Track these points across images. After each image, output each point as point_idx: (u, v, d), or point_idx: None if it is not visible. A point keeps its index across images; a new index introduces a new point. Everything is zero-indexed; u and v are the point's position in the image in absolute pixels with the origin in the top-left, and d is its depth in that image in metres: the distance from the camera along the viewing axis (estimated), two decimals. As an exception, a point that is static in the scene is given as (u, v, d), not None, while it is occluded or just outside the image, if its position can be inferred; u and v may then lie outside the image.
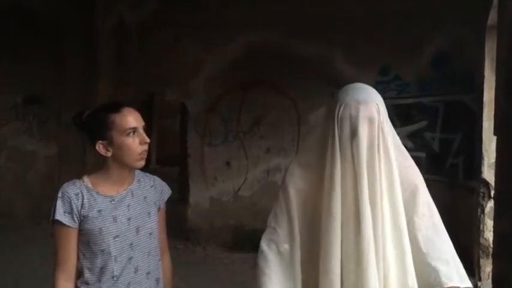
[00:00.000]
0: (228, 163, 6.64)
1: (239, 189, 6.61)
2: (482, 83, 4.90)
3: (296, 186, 1.65)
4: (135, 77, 6.85)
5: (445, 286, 1.47)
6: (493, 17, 4.31)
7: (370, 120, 1.51)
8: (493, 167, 4.42)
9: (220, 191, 6.67)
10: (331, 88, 6.15)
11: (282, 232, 1.64)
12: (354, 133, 1.50)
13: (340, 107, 1.52)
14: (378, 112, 1.52)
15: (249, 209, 6.39)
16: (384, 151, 1.52)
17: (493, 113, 4.15)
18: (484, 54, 4.84)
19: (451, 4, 5.39)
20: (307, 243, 1.60)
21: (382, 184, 1.51)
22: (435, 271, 1.49)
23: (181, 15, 6.48)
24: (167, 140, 12.35)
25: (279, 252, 1.62)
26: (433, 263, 1.49)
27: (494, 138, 3.56)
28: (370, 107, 1.52)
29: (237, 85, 6.49)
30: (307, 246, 1.60)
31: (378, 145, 1.51)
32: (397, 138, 1.62)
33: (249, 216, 6.28)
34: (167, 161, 11.63)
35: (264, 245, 1.66)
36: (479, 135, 4.95)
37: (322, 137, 1.59)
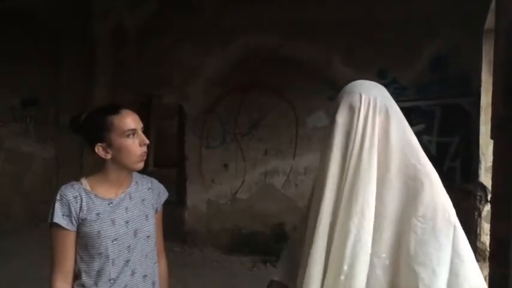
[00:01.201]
0: (225, 165, 6.63)
1: (237, 191, 6.60)
2: (480, 87, 4.91)
3: (316, 181, 1.68)
4: (133, 79, 6.86)
5: None
6: (490, 21, 4.33)
7: (350, 108, 1.52)
8: (490, 170, 4.42)
9: (217, 194, 6.66)
10: (329, 91, 6.17)
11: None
12: (333, 120, 1.54)
13: (348, 95, 1.57)
14: (361, 101, 1.51)
15: (246, 211, 6.38)
16: (361, 140, 1.50)
17: (490, 116, 4.16)
18: (481, 58, 4.86)
19: (448, 8, 5.41)
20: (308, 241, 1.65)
21: (349, 171, 1.49)
22: (416, 277, 1.40)
23: (180, 18, 6.49)
24: (165, 142, 12.33)
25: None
26: (417, 268, 1.41)
27: (491, 142, 3.57)
28: (352, 96, 1.53)
29: (235, 87, 6.50)
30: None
31: (356, 133, 1.50)
32: (408, 135, 1.57)
33: (247, 219, 6.28)
34: (165, 163, 11.61)
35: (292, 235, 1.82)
36: (476, 139, 4.96)
37: (333, 133, 1.61)
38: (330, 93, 6.20)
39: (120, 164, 1.73)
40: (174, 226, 6.22)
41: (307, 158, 6.29)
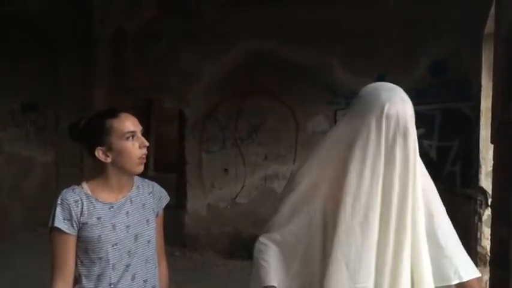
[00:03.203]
0: (225, 170, 6.63)
1: (237, 196, 6.60)
2: (480, 92, 4.92)
3: (314, 185, 1.60)
4: (133, 84, 6.86)
5: (465, 279, 1.56)
6: (489, 26, 4.34)
7: (413, 121, 1.51)
8: (490, 175, 4.42)
9: (217, 198, 6.66)
10: (328, 95, 6.19)
11: (291, 227, 1.61)
12: (404, 132, 1.48)
13: (386, 104, 1.47)
14: (412, 112, 1.52)
15: (246, 216, 6.37)
16: (414, 150, 1.53)
17: (490, 121, 4.17)
18: (481, 62, 4.87)
19: (448, 13, 5.43)
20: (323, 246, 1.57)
21: (416, 189, 1.51)
22: (454, 265, 1.56)
23: (180, 23, 6.50)
24: (165, 146, 12.33)
25: (280, 243, 1.62)
26: (452, 256, 1.57)
27: (492, 146, 3.57)
28: (411, 107, 1.51)
29: (235, 92, 6.51)
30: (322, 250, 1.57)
31: (415, 146, 1.52)
32: None
33: (247, 223, 6.26)
34: (165, 167, 11.60)
35: (263, 238, 1.66)
36: (477, 143, 4.96)
37: (354, 135, 1.51)
38: (330, 98, 6.23)
39: (120, 167, 1.72)
40: (174, 230, 6.21)
41: (307, 162, 6.27)
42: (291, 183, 1.67)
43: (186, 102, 6.80)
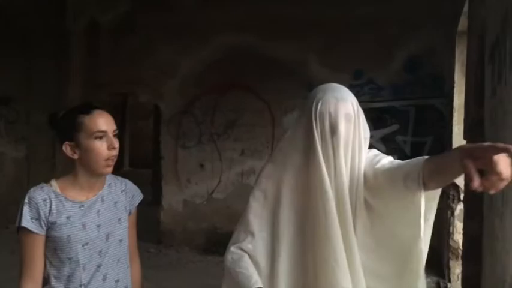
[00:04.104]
0: (201, 165, 6.60)
1: (213, 191, 6.57)
2: (453, 88, 5.00)
3: (273, 186, 1.62)
4: (108, 79, 6.75)
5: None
6: (463, 23, 4.41)
7: (347, 118, 1.52)
8: (463, 170, 4.48)
9: (193, 194, 6.62)
10: (305, 91, 6.18)
11: (261, 234, 1.61)
12: (334, 130, 1.50)
13: (318, 103, 1.52)
14: (353, 110, 1.53)
15: (223, 211, 6.36)
16: (358, 150, 1.55)
17: (463, 117, 4.24)
18: (454, 59, 4.95)
19: (423, 10, 5.49)
20: (293, 244, 1.57)
21: (354, 182, 1.53)
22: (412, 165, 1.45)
23: (155, 17, 6.42)
24: (140, 142, 12.23)
25: (252, 253, 1.60)
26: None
27: (464, 142, 3.63)
28: (347, 104, 1.52)
29: (212, 87, 6.47)
30: (292, 246, 1.57)
31: (353, 142, 1.53)
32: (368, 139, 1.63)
33: (223, 219, 6.25)
34: (140, 163, 11.52)
35: (235, 248, 1.63)
36: (450, 139, 5.04)
37: (298, 135, 1.58)
38: (306, 93, 6.23)
39: (86, 166, 1.66)
40: (149, 227, 6.16)
41: (284, 157, 6.30)
42: (255, 188, 1.69)
43: (162, 97, 6.73)
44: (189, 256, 6.13)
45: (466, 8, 4.07)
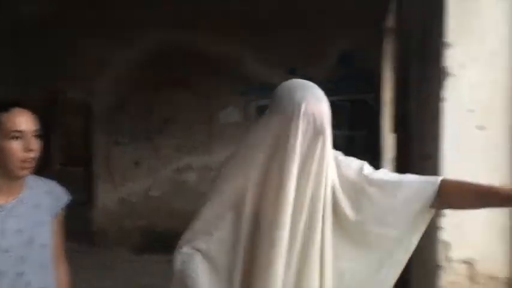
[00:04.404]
0: (137, 163, 6.47)
1: (149, 189, 6.47)
2: (383, 83, 5.20)
3: (240, 189, 1.51)
4: (37, 74, 6.41)
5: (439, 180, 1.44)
6: (391, 20, 4.59)
7: (328, 119, 1.50)
8: (391, 162, 4.71)
9: (129, 192, 6.49)
10: (241, 87, 6.23)
11: (217, 235, 1.50)
12: (321, 131, 1.46)
13: (302, 104, 1.45)
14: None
15: (160, 209, 6.28)
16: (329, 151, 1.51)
17: (391, 111, 4.43)
18: (383, 55, 5.15)
19: (354, 7, 5.66)
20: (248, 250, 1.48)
21: (328, 187, 1.50)
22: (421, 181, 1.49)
23: (87, 10, 6.17)
24: (72, 139, 11.79)
25: (209, 257, 1.49)
26: (412, 180, 1.52)
27: (393, 136, 3.79)
28: (326, 105, 1.51)
29: (147, 83, 6.34)
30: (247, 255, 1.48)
31: (330, 145, 1.51)
32: None
33: (160, 217, 6.18)
34: (72, 161, 11.11)
35: (186, 248, 1.52)
36: (380, 133, 5.26)
37: (271, 134, 1.48)
38: (243, 89, 6.27)
39: (3, 168, 1.56)
40: (82, 227, 5.96)
41: (221, 153, 6.29)
42: (213, 186, 1.57)
43: (94, 94, 6.52)
44: (124, 256, 5.98)
45: (394, 6, 4.25)
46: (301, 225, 1.44)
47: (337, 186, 1.52)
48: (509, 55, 2.01)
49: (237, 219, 1.49)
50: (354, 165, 1.61)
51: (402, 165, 3.13)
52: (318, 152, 1.46)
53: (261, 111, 6.41)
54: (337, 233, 1.50)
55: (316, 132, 1.46)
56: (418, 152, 2.72)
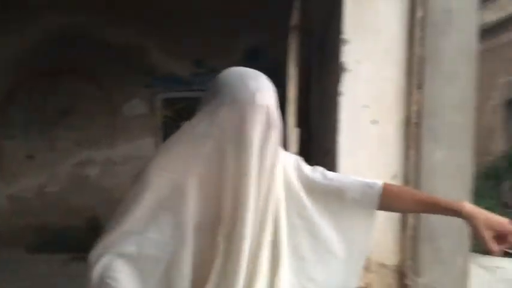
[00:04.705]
0: (30, 157, 6.05)
1: (45, 185, 6.08)
2: (288, 79, 5.30)
3: (179, 186, 1.36)
4: None
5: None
6: (295, 18, 4.68)
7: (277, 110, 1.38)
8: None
9: (21, 188, 6.10)
10: (146, 78, 6.05)
11: (151, 235, 1.34)
12: (275, 123, 1.34)
13: (257, 94, 1.32)
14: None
15: (57, 205, 5.97)
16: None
17: (294, 107, 4.53)
18: (288, 52, 5.25)
19: (262, 3, 5.70)
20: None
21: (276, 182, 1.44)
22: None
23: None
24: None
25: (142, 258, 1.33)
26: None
27: (296, 130, 3.87)
28: (274, 95, 1.39)
29: (42, 72, 5.97)
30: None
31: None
32: None
33: (58, 214, 5.87)
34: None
35: (105, 253, 1.34)
36: (286, 128, 5.37)
37: (222, 127, 1.34)
38: (148, 80, 6.09)
39: None
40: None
41: (125, 147, 6.09)
42: (141, 183, 1.38)
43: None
44: (15, 256, 5.55)
45: (298, 3, 4.33)
46: (256, 224, 1.35)
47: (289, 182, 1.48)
48: (401, 52, 2.11)
49: (175, 218, 1.34)
50: (292, 161, 1.55)
51: (305, 160, 3.21)
52: (271, 145, 1.35)
53: (167, 103, 6.30)
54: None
55: (269, 125, 1.34)
56: (318, 146, 2.79)
